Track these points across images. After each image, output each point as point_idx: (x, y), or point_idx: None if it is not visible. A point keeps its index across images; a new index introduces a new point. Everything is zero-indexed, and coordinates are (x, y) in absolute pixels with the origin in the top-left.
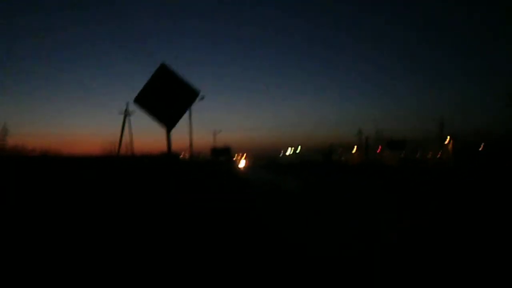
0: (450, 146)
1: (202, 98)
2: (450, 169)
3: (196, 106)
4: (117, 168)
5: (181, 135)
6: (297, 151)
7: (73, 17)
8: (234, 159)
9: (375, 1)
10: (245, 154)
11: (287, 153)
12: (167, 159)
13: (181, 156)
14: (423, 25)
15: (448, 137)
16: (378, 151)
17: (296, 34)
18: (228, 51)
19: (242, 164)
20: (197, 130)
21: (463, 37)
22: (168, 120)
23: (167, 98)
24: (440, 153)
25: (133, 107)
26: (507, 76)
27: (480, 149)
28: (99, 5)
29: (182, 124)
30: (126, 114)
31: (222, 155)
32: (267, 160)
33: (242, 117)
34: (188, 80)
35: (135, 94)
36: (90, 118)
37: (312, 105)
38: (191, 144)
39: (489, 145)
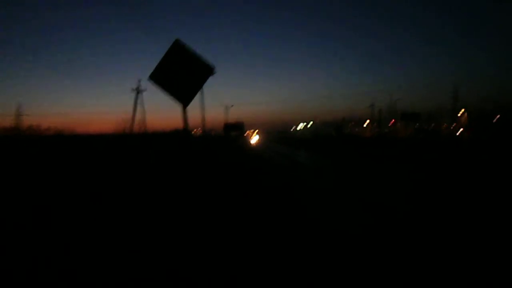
0: (464, 117)
1: (214, 73)
2: (463, 141)
3: (208, 81)
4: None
5: (194, 111)
6: (309, 126)
7: None
8: (246, 134)
9: None
10: (257, 130)
11: (299, 128)
12: (183, 135)
13: (194, 131)
14: None
15: (463, 109)
16: (390, 124)
17: (307, 10)
18: (240, 26)
19: (254, 139)
20: (210, 107)
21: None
22: (184, 97)
23: (182, 74)
24: (454, 124)
25: (145, 84)
26: None
27: (494, 120)
28: None
29: (194, 100)
30: (138, 91)
31: (234, 130)
32: (279, 135)
33: (254, 92)
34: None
35: (147, 71)
36: (104, 96)
37: (324, 79)
38: (203, 120)
39: (504, 113)
